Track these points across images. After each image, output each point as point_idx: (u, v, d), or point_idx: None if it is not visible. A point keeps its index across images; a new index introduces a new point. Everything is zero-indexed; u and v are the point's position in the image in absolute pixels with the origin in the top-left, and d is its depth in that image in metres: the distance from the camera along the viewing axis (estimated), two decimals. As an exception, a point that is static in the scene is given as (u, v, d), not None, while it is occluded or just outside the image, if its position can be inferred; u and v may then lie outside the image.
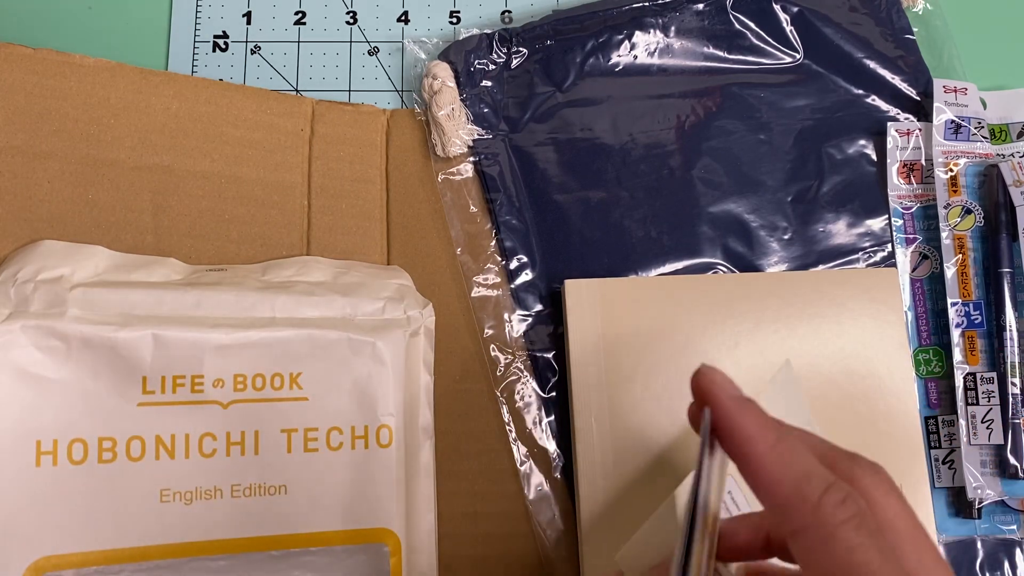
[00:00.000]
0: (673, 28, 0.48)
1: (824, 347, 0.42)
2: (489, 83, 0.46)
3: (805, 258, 0.45)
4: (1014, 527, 0.42)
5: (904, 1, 0.49)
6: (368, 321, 0.39)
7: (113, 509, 0.35)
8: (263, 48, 0.49)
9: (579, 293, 0.42)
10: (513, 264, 0.44)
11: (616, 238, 0.45)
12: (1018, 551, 0.42)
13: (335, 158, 0.44)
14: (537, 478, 0.42)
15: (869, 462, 0.25)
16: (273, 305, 0.38)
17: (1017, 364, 0.42)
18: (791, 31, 0.48)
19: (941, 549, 0.42)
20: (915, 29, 0.49)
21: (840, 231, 0.46)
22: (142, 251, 0.40)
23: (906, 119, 0.47)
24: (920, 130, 0.46)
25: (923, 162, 0.46)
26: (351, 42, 0.49)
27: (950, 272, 0.44)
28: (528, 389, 0.43)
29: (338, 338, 0.38)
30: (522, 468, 0.42)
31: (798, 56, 0.48)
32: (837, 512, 0.23)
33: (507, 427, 0.42)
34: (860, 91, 0.48)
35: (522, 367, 0.43)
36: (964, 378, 0.43)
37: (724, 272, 0.45)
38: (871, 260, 0.45)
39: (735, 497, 0.38)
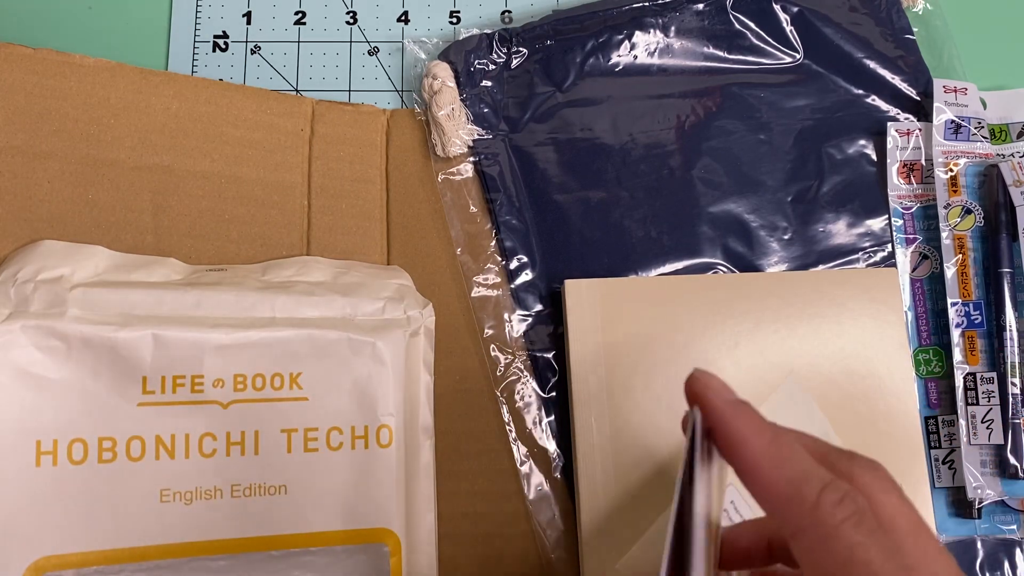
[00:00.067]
0: (673, 28, 0.48)
1: (824, 347, 0.42)
2: (489, 83, 0.46)
3: (805, 258, 0.45)
4: (1014, 527, 0.42)
5: (904, 1, 0.49)
6: (368, 321, 0.39)
7: (113, 509, 0.35)
8: (263, 48, 0.49)
9: (579, 293, 0.42)
10: (513, 264, 0.44)
11: (616, 238, 0.45)
12: (1018, 551, 0.42)
13: (335, 158, 0.44)
14: (537, 478, 0.42)
15: (867, 460, 0.25)
16: (273, 305, 0.38)
17: (1017, 364, 0.42)
18: (791, 31, 0.48)
19: (941, 549, 0.42)
20: (915, 29, 0.49)
21: (840, 231, 0.46)
22: (142, 251, 0.40)
23: (906, 119, 0.47)
24: (920, 130, 0.46)
25: (923, 162, 0.46)
26: (351, 42, 0.49)
27: (950, 272, 0.44)
28: (528, 389, 0.43)
29: (338, 338, 0.38)
30: (522, 468, 0.42)
31: (798, 56, 0.48)
32: (836, 511, 0.23)
33: (507, 427, 0.42)
34: (860, 91, 0.48)
35: (522, 367, 0.43)
36: (964, 378, 0.43)
37: (724, 272, 0.45)
38: (871, 260, 0.45)
39: (737, 506, 0.38)
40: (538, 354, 0.43)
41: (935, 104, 0.46)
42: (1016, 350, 0.42)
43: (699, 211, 0.45)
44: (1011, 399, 0.41)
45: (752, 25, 0.48)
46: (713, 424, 0.25)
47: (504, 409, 0.42)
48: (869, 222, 0.46)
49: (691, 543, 0.22)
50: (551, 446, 0.42)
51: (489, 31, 0.47)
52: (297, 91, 0.48)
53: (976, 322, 0.43)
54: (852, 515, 0.22)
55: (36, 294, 0.35)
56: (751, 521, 0.29)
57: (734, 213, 0.45)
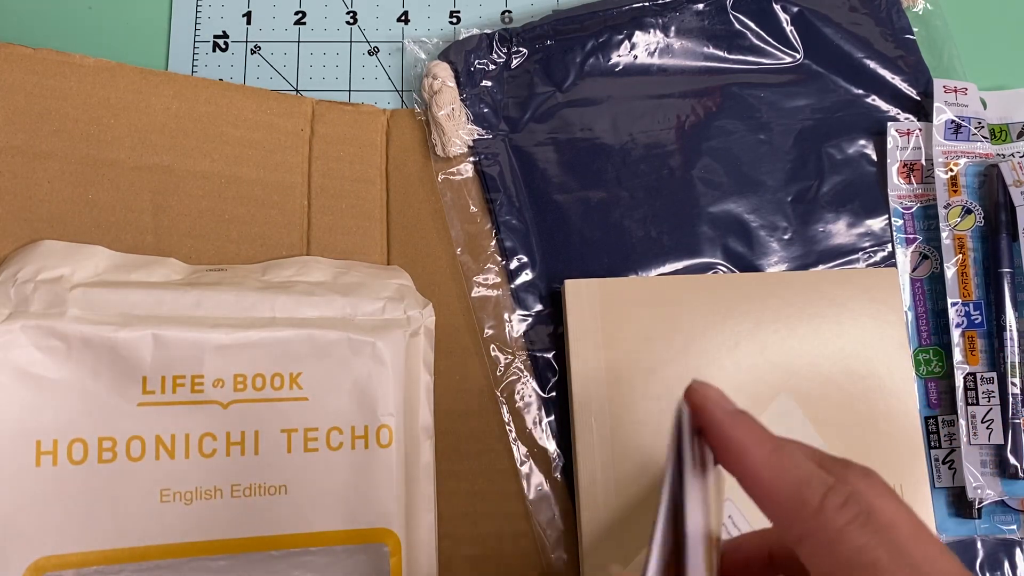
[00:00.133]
0: (673, 28, 0.48)
1: (824, 347, 0.42)
2: (489, 83, 0.46)
3: (805, 258, 0.45)
4: (1014, 527, 0.42)
5: (904, 1, 0.49)
6: (368, 321, 0.39)
7: (113, 509, 0.35)
8: (263, 48, 0.49)
9: (579, 293, 0.42)
10: (513, 264, 0.44)
11: (616, 238, 0.45)
12: (1018, 551, 0.42)
13: (335, 158, 0.44)
14: (537, 478, 0.42)
15: (860, 467, 0.25)
16: (273, 305, 0.38)
17: (1017, 364, 0.42)
18: (791, 31, 0.48)
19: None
20: (915, 29, 0.49)
21: (840, 231, 0.46)
22: (142, 251, 0.40)
23: (906, 119, 0.47)
24: (920, 130, 0.46)
25: (923, 162, 0.46)
26: (351, 42, 0.49)
27: (950, 272, 0.44)
28: (528, 389, 0.43)
29: (338, 338, 0.38)
30: (522, 468, 0.42)
31: (798, 56, 0.48)
32: (840, 514, 0.23)
33: (507, 427, 0.42)
34: (860, 91, 0.48)
35: (522, 367, 0.43)
36: (964, 378, 0.43)
37: (724, 272, 0.45)
38: (871, 260, 0.45)
39: (735, 520, 0.38)
40: (538, 354, 0.43)
41: (935, 104, 0.46)
42: (1016, 350, 0.42)
43: (699, 211, 0.45)
44: (1011, 399, 0.41)
45: (752, 25, 0.48)
46: (713, 434, 0.25)
47: (504, 409, 0.42)
48: (869, 222, 0.46)
49: (687, 554, 0.22)
50: (551, 446, 0.42)
51: (489, 31, 0.47)
52: (297, 91, 0.48)
53: (976, 322, 0.43)
54: (856, 517, 0.23)
55: (36, 294, 0.35)
56: (751, 532, 0.29)
57: (734, 213, 0.45)
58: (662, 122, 0.47)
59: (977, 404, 0.42)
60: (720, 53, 0.48)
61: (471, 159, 0.45)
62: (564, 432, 0.42)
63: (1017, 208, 0.43)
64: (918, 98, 0.48)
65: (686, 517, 0.23)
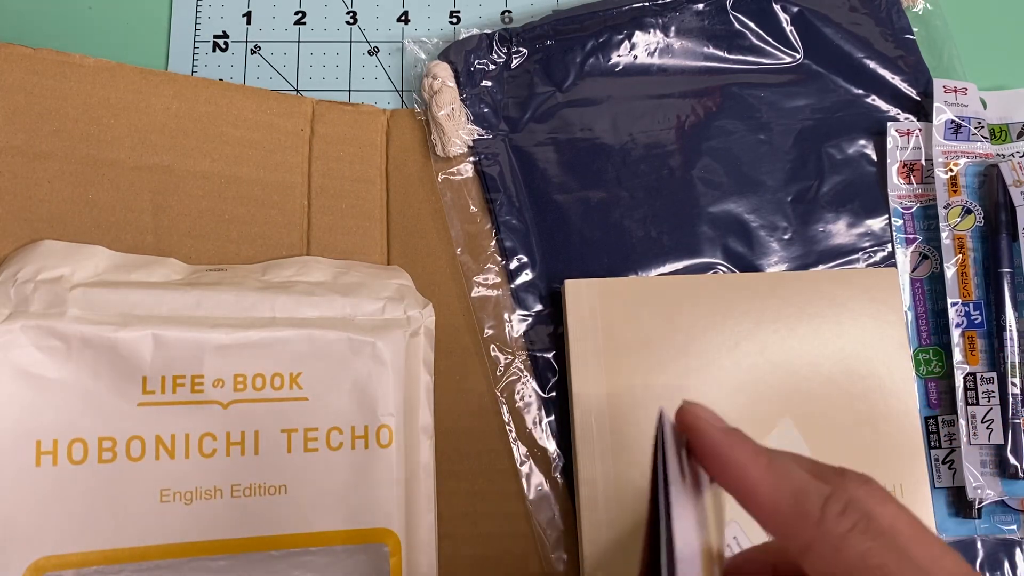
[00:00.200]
0: (673, 28, 0.48)
1: (824, 347, 0.42)
2: (489, 83, 0.46)
3: (805, 258, 0.45)
4: (1014, 527, 0.42)
5: (904, 1, 0.49)
6: (368, 321, 0.39)
7: (113, 509, 0.35)
8: (263, 48, 0.49)
9: (579, 293, 0.42)
10: (513, 264, 0.44)
11: (616, 238, 0.45)
12: (1018, 551, 0.42)
13: (335, 158, 0.44)
14: (537, 478, 0.42)
15: (857, 474, 0.25)
16: (273, 305, 0.38)
17: (1017, 364, 0.42)
18: (791, 31, 0.48)
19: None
20: (915, 29, 0.49)
21: (840, 231, 0.46)
22: (142, 251, 0.40)
23: (906, 119, 0.47)
24: (920, 130, 0.46)
25: (923, 162, 0.46)
26: (351, 42, 0.49)
27: (950, 272, 0.44)
28: (528, 389, 0.43)
29: (338, 338, 0.38)
30: (522, 468, 0.42)
31: (798, 56, 0.48)
32: (841, 521, 0.23)
33: (507, 427, 0.42)
34: (860, 91, 0.48)
35: (522, 367, 0.43)
36: (964, 378, 0.43)
37: (724, 272, 0.45)
38: (871, 260, 0.45)
39: (740, 542, 0.38)
40: (538, 354, 0.43)
41: (935, 104, 0.46)
42: (1016, 350, 0.42)
43: (699, 211, 0.45)
44: (1011, 399, 0.41)
45: (752, 25, 0.48)
46: (708, 454, 0.25)
47: (504, 409, 0.42)
48: (869, 222, 0.46)
49: (676, 570, 0.22)
50: (551, 446, 0.42)
51: (489, 31, 0.47)
52: (297, 91, 0.48)
53: (976, 322, 0.43)
54: (858, 523, 0.23)
55: (36, 294, 0.35)
56: (753, 548, 0.29)
57: (734, 213, 0.45)
58: (662, 122, 0.47)
59: (977, 404, 0.42)
60: (720, 53, 0.48)
61: (471, 159, 0.45)
62: (564, 432, 0.42)
63: (1017, 208, 0.43)
64: (918, 98, 0.48)
65: (674, 537, 0.22)
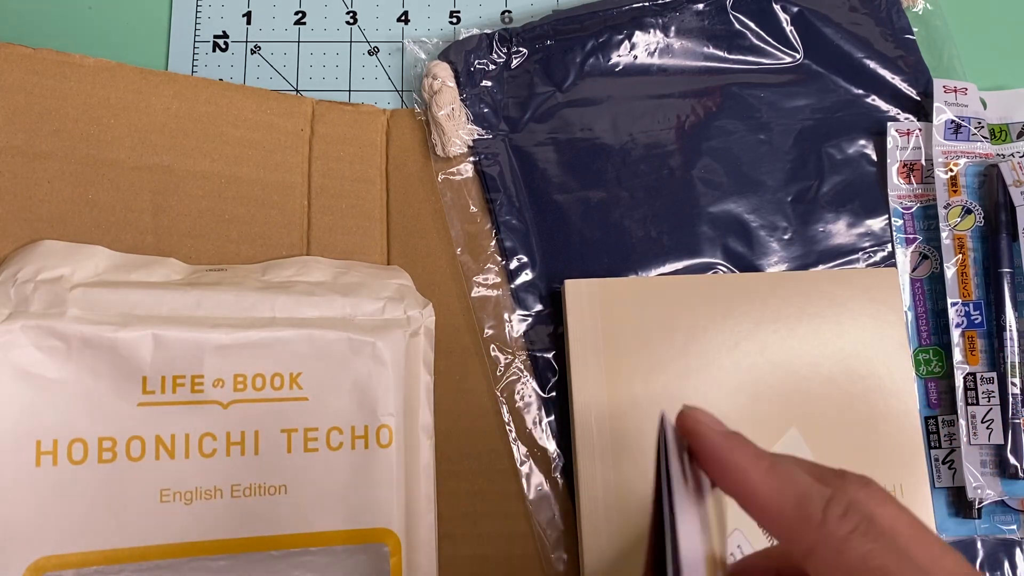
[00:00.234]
0: (673, 28, 0.48)
1: (824, 347, 0.42)
2: (489, 83, 0.46)
3: (805, 258, 0.45)
4: (1014, 527, 0.42)
5: (904, 1, 0.49)
6: (368, 321, 0.39)
7: (113, 509, 0.35)
8: (263, 48, 0.49)
9: (579, 293, 0.42)
10: (513, 264, 0.44)
11: (616, 238, 0.45)
12: (1018, 551, 0.42)
13: (335, 158, 0.44)
14: (537, 478, 0.42)
15: (857, 476, 0.25)
16: (273, 305, 0.38)
17: (1017, 364, 0.42)
18: (791, 31, 0.48)
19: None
20: (915, 29, 0.49)
21: (840, 231, 0.46)
22: (142, 251, 0.40)
23: (906, 119, 0.47)
24: (920, 130, 0.46)
25: (923, 162, 0.46)
26: (351, 42, 0.49)
27: (950, 272, 0.44)
28: (528, 389, 0.43)
29: (338, 338, 0.38)
30: (522, 468, 0.42)
31: (798, 56, 0.48)
32: (842, 524, 0.23)
33: (507, 427, 0.42)
34: (860, 91, 0.48)
35: (522, 367, 0.43)
36: (964, 378, 0.43)
37: (724, 272, 0.45)
38: (871, 260, 0.45)
39: (744, 549, 0.38)
40: (538, 354, 0.43)
41: (935, 104, 0.46)
42: (1016, 350, 0.42)
43: (699, 211, 0.45)
44: (1011, 399, 0.41)
45: (752, 25, 0.48)
46: (709, 458, 0.25)
47: (504, 409, 0.42)
48: (869, 222, 0.46)
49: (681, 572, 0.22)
50: (551, 446, 0.42)
51: (489, 31, 0.47)
52: (297, 91, 0.48)
53: (976, 322, 0.43)
54: (859, 525, 0.23)
55: (36, 294, 0.35)
56: (755, 553, 0.29)
57: (734, 213, 0.45)
58: (662, 122, 0.47)
59: (977, 404, 0.42)
60: (720, 53, 0.48)
61: (471, 159, 0.45)
62: (564, 432, 0.42)
63: (1017, 208, 0.43)
64: (918, 98, 0.48)
65: (679, 542, 0.23)
